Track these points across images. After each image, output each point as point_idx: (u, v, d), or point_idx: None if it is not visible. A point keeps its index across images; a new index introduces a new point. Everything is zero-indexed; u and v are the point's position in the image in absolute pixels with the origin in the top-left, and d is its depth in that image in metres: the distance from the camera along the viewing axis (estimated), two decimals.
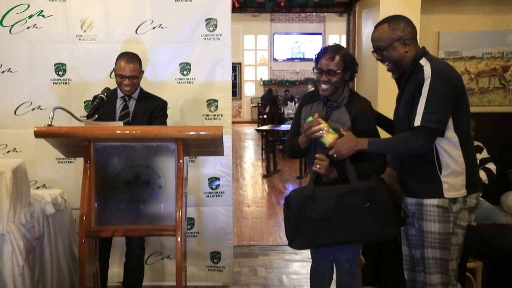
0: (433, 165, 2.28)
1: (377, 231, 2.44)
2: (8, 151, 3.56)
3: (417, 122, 2.20)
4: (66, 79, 3.55)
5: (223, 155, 2.88)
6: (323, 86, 2.53)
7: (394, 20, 2.35)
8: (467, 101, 2.33)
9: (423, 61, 2.27)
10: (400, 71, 2.36)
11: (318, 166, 2.50)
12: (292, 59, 16.61)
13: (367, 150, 2.37)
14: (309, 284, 2.84)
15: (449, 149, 2.26)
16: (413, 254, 2.48)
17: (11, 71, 3.52)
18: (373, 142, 2.39)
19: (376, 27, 2.39)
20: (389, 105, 3.48)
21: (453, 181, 2.26)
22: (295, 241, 2.52)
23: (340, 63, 2.49)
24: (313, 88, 14.08)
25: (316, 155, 2.52)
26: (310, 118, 2.53)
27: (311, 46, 16.05)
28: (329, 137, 2.46)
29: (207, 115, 3.62)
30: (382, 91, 3.71)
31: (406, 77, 2.33)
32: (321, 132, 2.47)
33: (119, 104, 3.08)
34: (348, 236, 2.46)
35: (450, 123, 2.24)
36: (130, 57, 3.00)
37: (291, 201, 2.51)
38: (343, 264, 2.69)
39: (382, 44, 2.33)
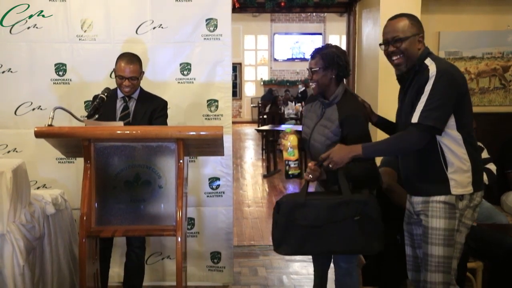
0: (439, 162, 2.28)
1: (364, 244, 2.44)
2: (9, 151, 3.56)
3: (414, 119, 2.21)
4: (66, 79, 3.55)
5: (223, 155, 2.88)
6: (310, 84, 2.64)
7: (412, 16, 2.36)
8: (470, 101, 2.34)
9: (428, 61, 2.28)
10: (409, 66, 2.34)
11: (310, 176, 2.51)
12: (292, 59, 16.61)
13: (362, 155, 2.35)
14: (309, 284, 2.85)
15: (453, 147, 2.26)
16: (418, 254, 2.47)
17: (11, 71, 3.52)
18: (367, 146, 2.36)
19: (393, 18, 2.38)
20: (389, 105, 3.48)
21: (459, 178, 2.27)
22: (281, 246, 2.51)
23: (319, 61, 2.57)
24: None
25: (309, 164, 2.54)
26: (288, 129, 2.64)
27: (312, 46, 16.03)
28: (284, 154, 2.60)
29: (208, 115, 3.61)
30: (382, 91, 3.71)
31: (411, 76, 2.34)
32: (282, 146, 2.62)
33: (119, 104, 3.08)
34: (335, 247, 2.47)
35: (453, 122, 2.25)
36: (130, 58, 3.00)
37: (281, 206, 2.51)
38: (340, 263, 2.70)
39: (401, 35, 2.31)
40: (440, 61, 2.30)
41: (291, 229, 2.47)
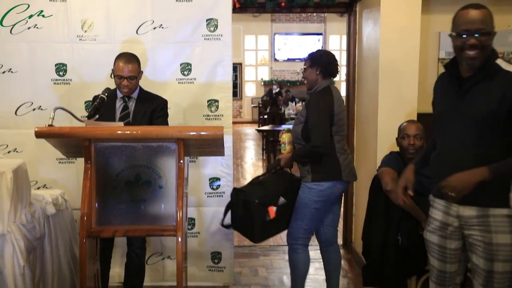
0: None
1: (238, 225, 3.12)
2: (9, 151, 3.57)
3: None
4: (66, 79, 3.56)
5: (223, 155, 2.88)
6: (304, 82, 3.14)
7: (490, 12, 2.16)
8: None
9: (502, 63, 2.12)
10: (481, 62, 2.13)
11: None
12: (292, 60, 16.61)
13: (489, 179, 2.03)
14: (309, 284, 2.87)
15: None
16: (446, 269, 2.28)
17: (11, 72, 3.52)
18: (494, 167, 2.04)
19: (477, 8, 2.15)
20: (389, 105, 3.48)
21: None
22: None
23: (308, 61, 3.09)
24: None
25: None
26: (285, 129, 3.22)
27: (312, 47, 16.04)
28: (281, 150, 3.24)
29: (208, 115, 3.62)
30: (382, 91, 3.70)
31: (481, 76, 2.14)
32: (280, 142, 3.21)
33: (119, 104, 3.07)
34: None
35: None
36: (129, 58, 2.99)
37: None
38: (287, 238, 3.12)
39: (486, 28, 2.11)
40: None
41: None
